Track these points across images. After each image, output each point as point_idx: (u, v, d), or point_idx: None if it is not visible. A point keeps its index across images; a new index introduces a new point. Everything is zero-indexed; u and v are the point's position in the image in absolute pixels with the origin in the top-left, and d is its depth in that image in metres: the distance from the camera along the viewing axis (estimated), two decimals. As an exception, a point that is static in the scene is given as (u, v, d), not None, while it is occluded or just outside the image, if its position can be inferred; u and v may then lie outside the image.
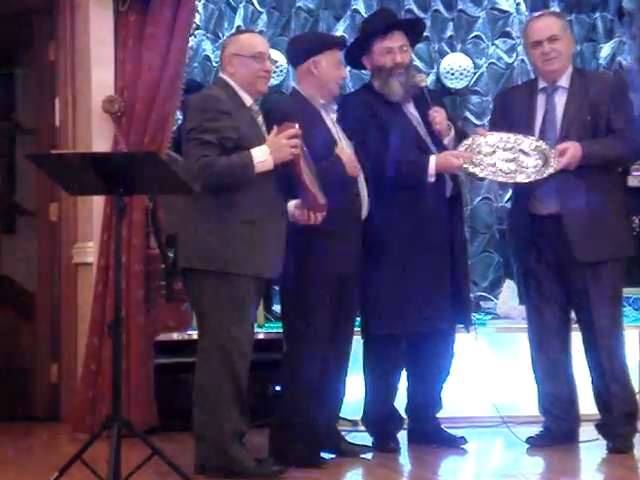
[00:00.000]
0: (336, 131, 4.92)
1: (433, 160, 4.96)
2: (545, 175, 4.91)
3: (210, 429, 4.47)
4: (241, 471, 4.43)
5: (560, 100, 5.06)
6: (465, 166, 4.97)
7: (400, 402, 5.25)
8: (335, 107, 4.98)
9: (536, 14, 5.43)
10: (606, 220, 5.00)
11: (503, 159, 4.98)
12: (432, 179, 4.97)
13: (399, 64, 5.05)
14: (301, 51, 4.96)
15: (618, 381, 5.04)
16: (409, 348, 5.16)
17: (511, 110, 5.15)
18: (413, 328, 5.02)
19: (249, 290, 4.49)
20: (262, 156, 4.44)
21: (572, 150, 4.89)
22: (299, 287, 4.73)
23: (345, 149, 4.84)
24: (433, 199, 5.03)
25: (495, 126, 5.20)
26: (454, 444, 5.16)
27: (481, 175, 5.03)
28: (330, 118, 4.94)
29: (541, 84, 5.12)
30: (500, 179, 5.03)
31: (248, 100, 4.61)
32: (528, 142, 4.97)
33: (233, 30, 6.47)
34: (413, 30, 5.26)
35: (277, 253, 4.54)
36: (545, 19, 5.16)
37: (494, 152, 5.00)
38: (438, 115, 5.02)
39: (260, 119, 4.64)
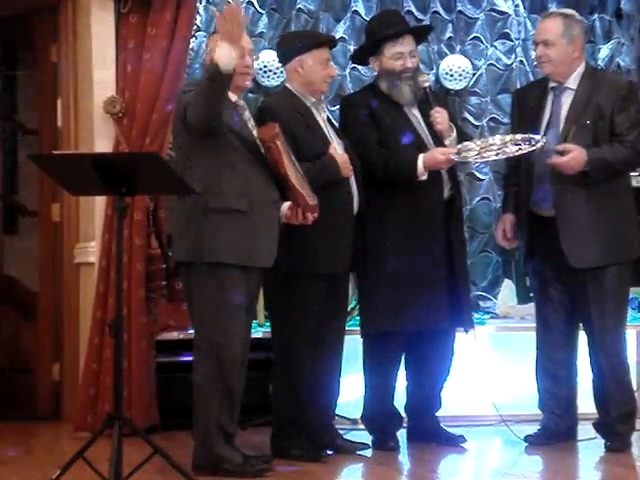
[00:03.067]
0: (327, 130, 4.95)
1: (420, 158, 4.96)
2: (525, 151, 4.93)
3: (199, 426, 4.53)
4: (227, 468, 4.47)
5: (566, 101, 5.07)
6: (452, 157, 4.96)
7: (399, 401, 5.28)
8: (325, 106, 5.02)
9: (546, 12, 5.42)
10: (606, 224, 4.99)
11: (490, 151, 5.02)
12: (423, 177, 4.98)
13: (408, 69, 5.08)
14: (287, 50, 5.00)
15: (617, 382, 5.05)
16: (409, 347, 5.18)
17: (524, 107, 5.17)
18: (408, 328, 5.04)
19: (238, 283, 4.49)
20: (219, 53, 4.32)
21: (576, 153, 4.89)
22: (288, 285, 4.77)
23: (337, 149, 4.87)
24: (430, 200, 5.05)
25: (513, 121, 5.25)
26: (453, 442, 5.18)
27: (468, 160, 5.06)
28: (322, 117, 4.97)
29: (551, 83, 5.13)
30: (486, 159, 5.07)
31: (232, 96, 4.61)
32: (519, 137, 5.01)
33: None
34: (421, 34, 5.34)
35: (267, 243, 4.54)
36: (547, 21, 5.16)
37: (483, 147, 5.03)
38: (439, 116, 5.05)
39: (247, 114, 4.66)
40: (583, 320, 5.13)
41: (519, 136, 5.01)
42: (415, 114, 5.16)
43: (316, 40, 5.04)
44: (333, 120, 5.14)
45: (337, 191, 4.83)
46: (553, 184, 4.99)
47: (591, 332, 5.06)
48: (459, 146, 5.02)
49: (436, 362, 5.21)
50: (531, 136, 4.97)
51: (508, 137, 5.07)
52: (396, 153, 5.02)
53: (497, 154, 4.98)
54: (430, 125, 5.09)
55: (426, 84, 5.13)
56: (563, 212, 4.99)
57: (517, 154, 4.95)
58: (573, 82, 5.08)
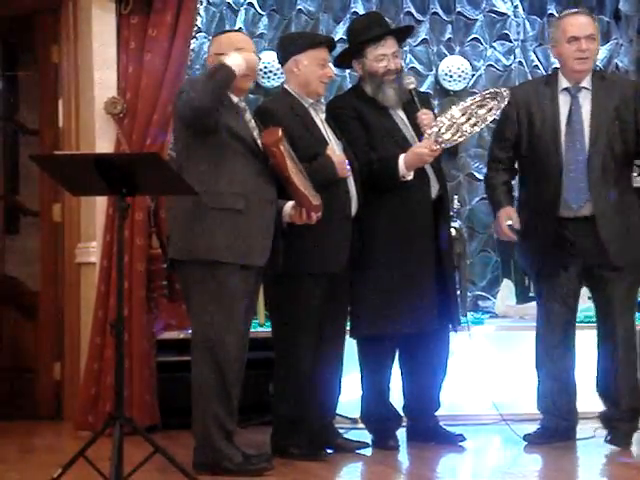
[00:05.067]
0: (326, 131, 4.96)
1: (401, 158, 4.96)
2: (497, 109, 4.98)
3: (198, 425, 4.54)
4: (228, 467, 4.48)
5: (585, 102, 5.04)
6: (435, 148, 4.95)
7: (397, 401, 5.28)
8: (324, 107, 5.03)
9: (572, 10, 5.33)
10: (634, 222, 5.04)
11: (462, 123, 5.02)
12: (409, 177, 4.98)
13: (391, 70, 5.09)
14: (284, 51, 5.02)
15: (631, 376, 5.08)
16: (403, 348, 5.19)
17: (528, 106, 5.08)
18: (395, 330, 5.04)
19: (235, 281, 4.50)
20: (231, 57, 4.44)
21: None
22: (288, 285, 4.78)
23: (335, 150, 4.88)
24: (418, 201, 5.05)
25: (505, 119, 5.14)
26: (453, 441, 5.19)
27: (451, 144, 5.01)
28: (320, 118, 4.98)
29: (564, 84, 5.08)
30: (467, 134, 5.02)
31: (234, 97, 4.64)
32: (478, 99, 5.07)
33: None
34: (403, 35, 5.35)
35: (263, 241, 4.55)
36: (583, 17, 5.10)
37: (453, 124, 5.01)
38: (426, 118, 5.04)
39: (247, 115, 4.68)
40: (601, 316, 5.14)
41: (478, 97, 5.07)
42: (401, 116, 5.16)
43: (312, 40, 5.04)
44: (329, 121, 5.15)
45: (335, 191, 4.85)
46: (590, 181, 4.96)
47: (612, 328, 5.06)
48: (432, 136, 4.98)
49: (431, 362, 5.20)
50: (491, 90, 5.02)
51: (468, 101, 5.09)
52: (379, 153, 5.02)
53: (475, 124, 4.99)
54: (417, 127, 5.09)
55: (411, 86, 5.12)
56: (601, 209, 4.98)
57: (492, 116, 5.01)
58: (587, 82, 5.06)
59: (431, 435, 5.22)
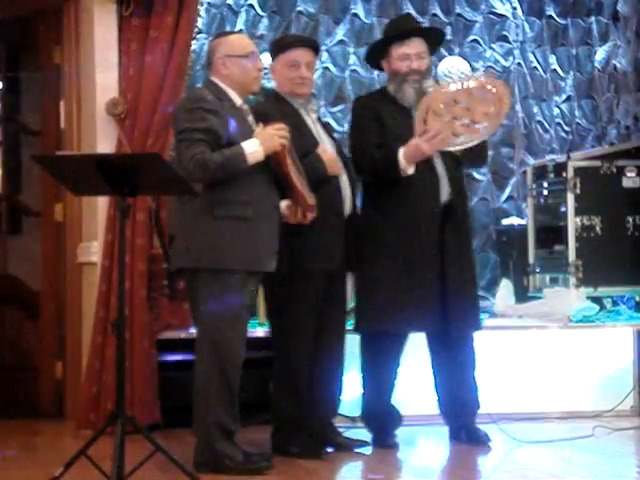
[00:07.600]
0: (317, 130, 4.98)
1: (401, 151, 4.96)
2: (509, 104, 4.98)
3: (200, 424, 4.56)
4: (228, 466, 4.50)
5: None
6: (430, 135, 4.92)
7: (399, 400, 5.30)
8: (315, 107, 5.05)
9: None
10: None
11: (466, 117, 4.99)
12: (410, 171, 4.98)
13: (415, 70, 5.10)
14: (270, 55, 5.07)
15: None
16: (435, 350, 5.18)
17: None
18: (396, 329, 5.06)
19: (241, 287, 4.53)
20: (252, 147, 4.50)
21: None
22: (285, 284, 4.80)
23: (327, 148, 4.90)
24: (425, 203, 5.05)
25: None
26: (482, 441, 5.14)
27: (464, 146, 5.00)
28: (311, 118, 4.99)
29: None
30: (482, 137, 5.02)
31: (238, 100, 4.67)
32: (483, 78, 5.08)
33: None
34: (433, 38, 5.30)
35: (271, 247, 4.60)
36: None
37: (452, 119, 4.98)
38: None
39: (250, 118, 4.70)
40: None
41: (483, 77, 5.11)
42: None
43: (279, 44, 5.06)
44: (322, 120, 5.17)
45: (326, 190, 4.85)
46: None
47: None
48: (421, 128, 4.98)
49: (465, 363, 5.17)
50: (490, 79, 5.05)
51: (472, 81, 5.07)
52: (381, 149, 5.02)
53: (485, 125, 4.97)
54: None
55: (430, 89, 5.12)
56: None
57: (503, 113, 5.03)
58: None
59: (464, 434, 5.19)
